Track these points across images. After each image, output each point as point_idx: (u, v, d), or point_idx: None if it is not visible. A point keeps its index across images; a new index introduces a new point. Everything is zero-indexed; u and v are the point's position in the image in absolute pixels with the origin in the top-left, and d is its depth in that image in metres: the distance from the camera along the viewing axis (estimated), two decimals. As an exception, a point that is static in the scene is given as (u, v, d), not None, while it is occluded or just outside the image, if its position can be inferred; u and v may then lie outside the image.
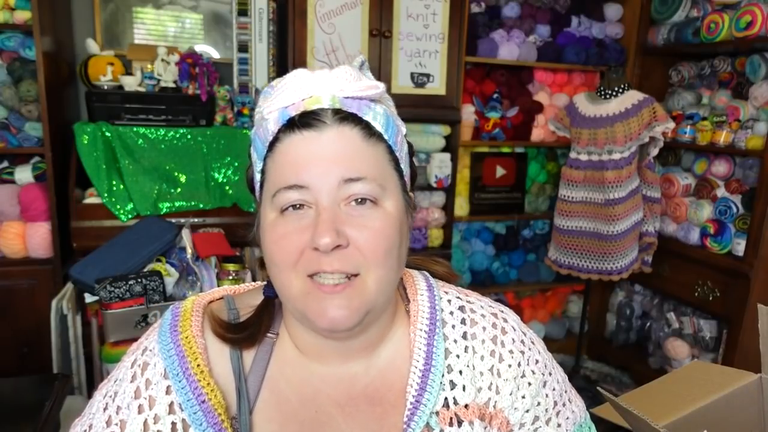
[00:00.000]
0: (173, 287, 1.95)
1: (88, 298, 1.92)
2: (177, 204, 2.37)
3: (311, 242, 0.58)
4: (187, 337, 0.63)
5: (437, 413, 0.66)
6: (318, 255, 0.59)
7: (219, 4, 2.72)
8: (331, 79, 0.61)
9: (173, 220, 2.25)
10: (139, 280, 1.82)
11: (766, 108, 2.46)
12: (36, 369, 2.32)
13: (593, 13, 3.11)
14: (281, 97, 0.62)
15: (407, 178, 0.68)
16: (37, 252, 2.35)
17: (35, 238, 2.33)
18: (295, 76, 0.62)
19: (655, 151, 2.59)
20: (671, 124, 2.51)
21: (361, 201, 0.60)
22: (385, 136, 0.63)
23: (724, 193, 2.63)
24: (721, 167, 2.64)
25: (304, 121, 0.60)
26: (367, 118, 0.62)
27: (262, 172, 0.64)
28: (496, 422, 0.68)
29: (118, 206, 2.28)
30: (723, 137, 2.54)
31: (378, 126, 0.62)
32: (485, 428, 0.67)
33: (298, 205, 0.60)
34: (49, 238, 2.34)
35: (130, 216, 2.29)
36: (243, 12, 2.51)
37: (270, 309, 0.70)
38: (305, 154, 0.60)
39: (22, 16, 2.20)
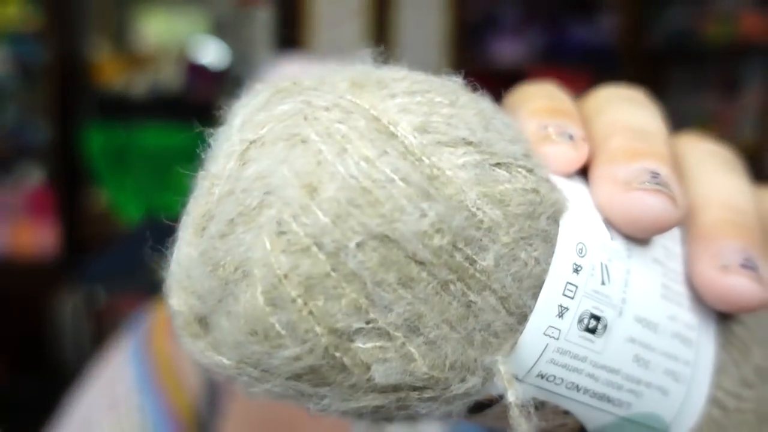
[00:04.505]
0: (181, 286, 1.97)
1: (94, 297, 1.94)
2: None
3: None
4: (159, 344, 0.62)
5: None
6: None
7: (226, 9, 2.76)
8: None
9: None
10: (146, 279, 1.84)
11: (759, 112, 2.50)
12: (38, 369, 2.33)
13: (588, 17, 3.15)
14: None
15: None
16: (43, 252, 2.37)
17: (41, 239, 2.36)
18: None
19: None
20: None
21: None
22: None
23: (719, 195, 2.67)
24: (715, 170, 2.68)
25: None
26: None
27: None
28: None
29: (125, 207, 2.31)
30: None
31: None
32: None
33: None
34: (55, 239, 2.36)
35: (136, 217, 2.31)
36: (247, 15, 2.54)
37: None
38: None
39: (31, 19, 2.23)
